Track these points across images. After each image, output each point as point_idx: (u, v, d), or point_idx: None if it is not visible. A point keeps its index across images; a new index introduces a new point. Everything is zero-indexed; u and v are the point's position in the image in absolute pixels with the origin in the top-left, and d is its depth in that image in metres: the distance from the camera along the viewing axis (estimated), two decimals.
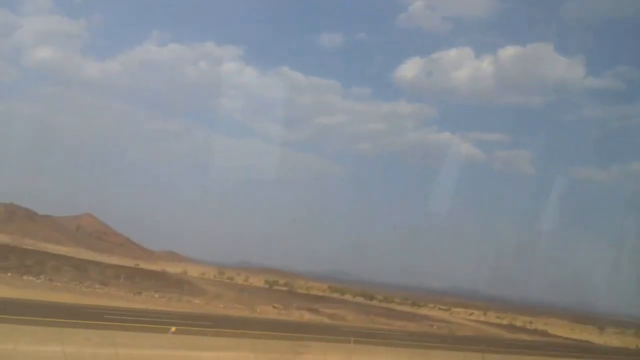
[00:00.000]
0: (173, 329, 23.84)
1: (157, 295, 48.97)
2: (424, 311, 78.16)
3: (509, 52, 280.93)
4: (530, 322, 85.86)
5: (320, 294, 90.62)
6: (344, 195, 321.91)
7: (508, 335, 53.50)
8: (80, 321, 23.77)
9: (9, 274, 46.88)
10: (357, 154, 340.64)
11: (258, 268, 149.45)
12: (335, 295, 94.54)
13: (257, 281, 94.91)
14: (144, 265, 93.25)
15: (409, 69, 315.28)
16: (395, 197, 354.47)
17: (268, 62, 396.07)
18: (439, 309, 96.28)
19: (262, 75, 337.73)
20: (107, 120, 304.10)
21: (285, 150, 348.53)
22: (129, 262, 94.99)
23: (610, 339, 67.16)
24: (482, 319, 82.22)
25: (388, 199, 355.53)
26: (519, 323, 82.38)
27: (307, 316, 48.86)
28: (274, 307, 52.48)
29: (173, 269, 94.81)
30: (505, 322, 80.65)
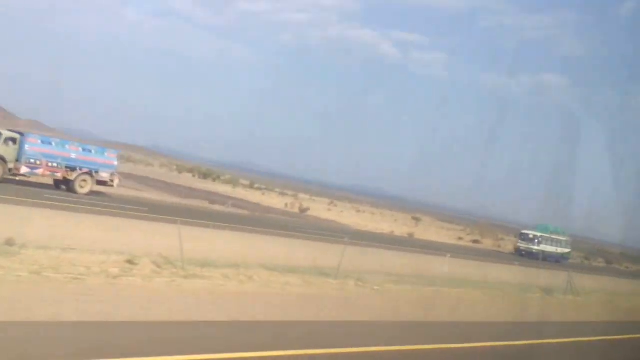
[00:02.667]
0: None
1: None
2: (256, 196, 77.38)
3: None
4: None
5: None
6: (262, 86, 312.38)
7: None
8: None
9: None
10: (279, 44, 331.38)
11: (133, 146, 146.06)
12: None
13: None
14: None
15: None
16: (313, 92, 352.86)
17: None
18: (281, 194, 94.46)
19: None
20: None
21: (206, 33, 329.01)
22: None
23: None
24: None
25: (305, 93, 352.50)
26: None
27: None
28: None
29: None
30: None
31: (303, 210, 61.28)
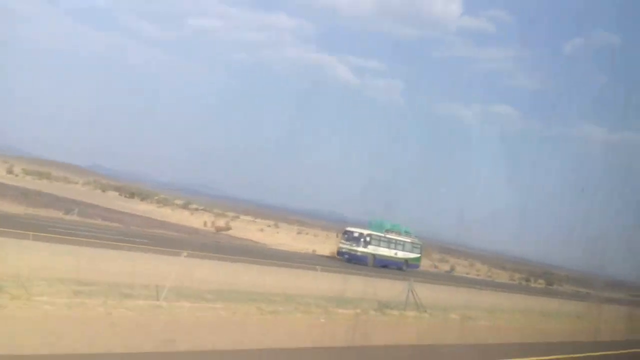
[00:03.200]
0: None
1: None
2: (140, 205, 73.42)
3: None
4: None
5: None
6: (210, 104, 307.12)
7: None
8: None
9: None
10: (232, 63, 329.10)
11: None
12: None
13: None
14: None
15: None
16: (263, 112, 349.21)
17: None
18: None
19: None
20: None
21: (153, 49, 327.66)
22: None
23: None
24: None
25: (259, 112, 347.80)
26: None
27: None
28: None
29: None
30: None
31: (220, 229, 57.78)
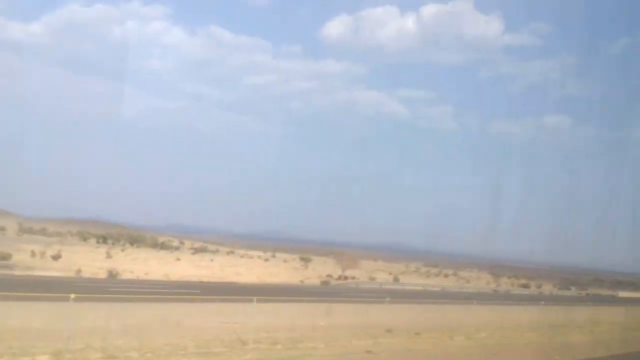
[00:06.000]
0: None
1: None
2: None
3: (431, 9, 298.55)
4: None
5: None
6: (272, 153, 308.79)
7: None
8: None
9: None
10: (289, 113, 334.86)
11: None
12: None
13: None
14: None
15: (336, 27, 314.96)
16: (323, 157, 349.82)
17: (196, 21, 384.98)
18: None
19: (191, 35, 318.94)
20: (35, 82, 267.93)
21: (217, 109, 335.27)
22: None
23: None
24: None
25: (314, 157, 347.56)
26: None
27: None
28: None
29: None
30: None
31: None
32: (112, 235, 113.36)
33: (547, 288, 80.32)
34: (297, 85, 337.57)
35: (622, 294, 75.60)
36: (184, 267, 67.40)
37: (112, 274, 44.76)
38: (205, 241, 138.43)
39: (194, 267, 69.04)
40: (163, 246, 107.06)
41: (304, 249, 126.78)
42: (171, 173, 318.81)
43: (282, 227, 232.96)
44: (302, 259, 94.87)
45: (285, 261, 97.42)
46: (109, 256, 69.00)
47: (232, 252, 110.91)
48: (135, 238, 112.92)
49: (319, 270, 77.20)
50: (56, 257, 56.80)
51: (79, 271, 45.57)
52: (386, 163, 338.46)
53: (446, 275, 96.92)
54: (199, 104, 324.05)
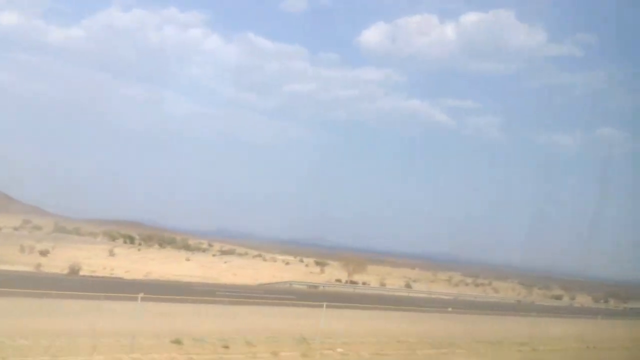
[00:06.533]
0: None
1: None
2: None
3: (471, 18, 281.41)
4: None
5: None
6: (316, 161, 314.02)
7: None
8: None
9: None
10: (330, 121, 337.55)
11: None
12: None
13: None
14: None
15: (374, 35, 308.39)
16: (366, 165, 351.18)
17: (233, 28, 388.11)
18: None
19: (228, 41, 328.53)
20: (76, 86, 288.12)
21: (257, 116, 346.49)
22: None
23: None
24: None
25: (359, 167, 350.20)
26: None
27: None
28: None
29: None
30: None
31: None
32: (143, 236, 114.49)
33: (582, 300, 72.08)
34: (337, 93, 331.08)
35: None
36: (184, 267, 65.89)
37: (73, 270, 42.90)
38: (245, 246, 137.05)
39: (199, 268, 67.13)
40: (190, 248, 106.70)
41: (342, 257, 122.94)
42: (213, 178, 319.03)
43: (326, 234, 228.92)
44: (317, 263, 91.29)
45: (306, 265, 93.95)
46: (111, 254, 68.23)
47: (258, 256, 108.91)
48: (166, 240, 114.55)
49: (335, 275, 72.97)
50: (44, 253, 56.18)
51: (38, 265, 44.07)
52: (431, 172, 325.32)
53: (477, 285, 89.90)
54: (240, 110, 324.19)
